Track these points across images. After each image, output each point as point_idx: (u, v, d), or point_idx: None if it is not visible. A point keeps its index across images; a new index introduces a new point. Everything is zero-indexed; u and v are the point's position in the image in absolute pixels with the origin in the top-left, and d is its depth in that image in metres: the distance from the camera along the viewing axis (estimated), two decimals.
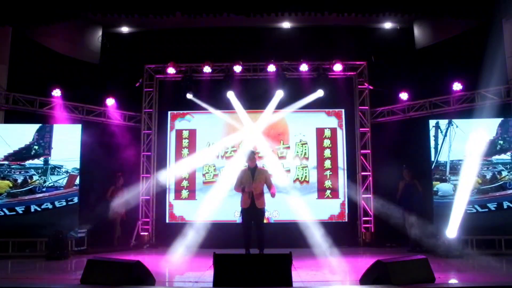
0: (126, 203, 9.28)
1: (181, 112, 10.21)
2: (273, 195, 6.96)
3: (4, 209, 8.32)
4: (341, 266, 6.70)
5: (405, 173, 8.72)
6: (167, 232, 9.64)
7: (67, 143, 8.56)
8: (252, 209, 6.89)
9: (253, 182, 6.91)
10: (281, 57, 10.24)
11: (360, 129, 9.92)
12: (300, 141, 9.96)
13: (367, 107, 9.95)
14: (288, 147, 9.96)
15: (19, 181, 8.42)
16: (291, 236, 8.92)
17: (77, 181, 8.50)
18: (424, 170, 8.80)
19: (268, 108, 9.79)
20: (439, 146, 8.43)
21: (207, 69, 9.89)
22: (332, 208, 9.73)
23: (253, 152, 7.40)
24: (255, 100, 9.95)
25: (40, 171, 8.47)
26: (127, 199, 9.31)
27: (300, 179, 9.87)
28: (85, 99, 9.51)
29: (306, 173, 9.86)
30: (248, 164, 7.14)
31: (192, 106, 10.03)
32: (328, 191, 9.79)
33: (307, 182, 9.84)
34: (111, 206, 9.01)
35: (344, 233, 9.37)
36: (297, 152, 9.91)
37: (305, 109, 9.87)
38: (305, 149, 9.94)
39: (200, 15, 7.72)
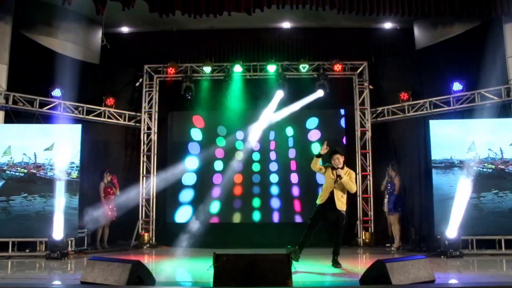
0: (117, 204, 9.02)
1: (181, 112, 10.20)
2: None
3: None
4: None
5: (389, 171, 8.72)
6: (167, 232, 9.63)
7: (67, 143, 8.52)
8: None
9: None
10: (281, 57, 10.26)
11: (360, 129, 9.91)
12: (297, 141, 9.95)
13: (367, 107, 9.95)
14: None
15: None
16: (291, 236, 8.89)
17: None
18: (424, 170, 8.80)
19: (268, 108, 9.79)
20: None
21: (207, 69, 9.90)
22: None
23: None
24: (255, 100, 9.96)
25: None
26: (119, 199, 9.11)
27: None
28: (85, 99, 9.51)
29: None
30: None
31: (192, 106, 10.02)
32: None
33: None
34: (101, 206, 8.78)
35: (343, 233, 9.34)
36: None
37: (305, 109, 9.85)
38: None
39: (199, 15, 7.67)
